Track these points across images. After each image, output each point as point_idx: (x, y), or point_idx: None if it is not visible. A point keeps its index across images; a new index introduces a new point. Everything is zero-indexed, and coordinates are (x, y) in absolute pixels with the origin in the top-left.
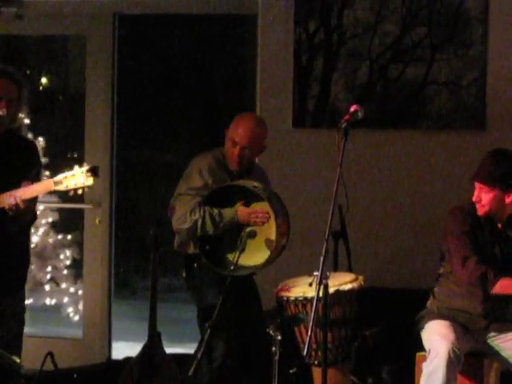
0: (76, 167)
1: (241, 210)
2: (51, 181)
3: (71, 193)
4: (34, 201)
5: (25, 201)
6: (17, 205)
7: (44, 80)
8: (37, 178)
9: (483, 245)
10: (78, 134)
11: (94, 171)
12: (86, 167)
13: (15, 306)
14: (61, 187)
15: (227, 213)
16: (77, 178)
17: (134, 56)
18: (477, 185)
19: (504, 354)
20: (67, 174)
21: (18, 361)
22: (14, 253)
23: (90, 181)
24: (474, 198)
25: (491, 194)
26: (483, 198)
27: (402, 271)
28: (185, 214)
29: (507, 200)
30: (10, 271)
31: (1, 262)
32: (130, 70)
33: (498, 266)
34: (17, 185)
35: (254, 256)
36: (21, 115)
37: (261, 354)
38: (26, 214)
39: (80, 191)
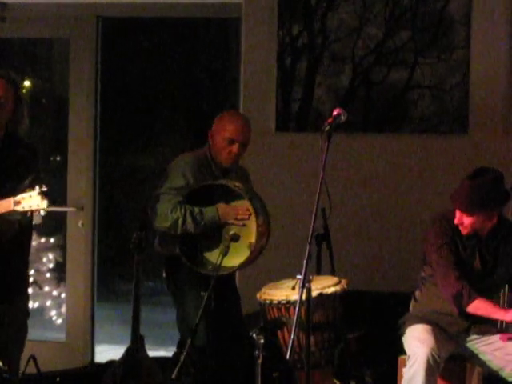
0: (37, 188)
1: (222, 208)
2: (11, 200)
3: (28, 214)
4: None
5: None
6: None
7: (27, 83)
8: (31, 186)
9: (464, 257)
10: (62, 138)
11: (44, 194)
12: (38, 189)
13: (15, 311)
14: (19, 208)
15: (208, 211)
16: (33, 199)
17: (118, 59)
18: (457, 210)
19: (484, 357)
20: (25, 195)
21: (1, 364)
22: (10, 258)
23: (44, 203)
24: (455, 221)
25: (473, 218)
26: (465, 221)
27: (386, 274)
28: (165, 213)
29: (490, 221)
30: (7, 277)
31: (1, 267)
32: (114, 74)
33: (478, 278)
34: (12, 190)
35: (234, 257)
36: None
37: (241, 355)
38: (8, 229)
39: (36, 213)
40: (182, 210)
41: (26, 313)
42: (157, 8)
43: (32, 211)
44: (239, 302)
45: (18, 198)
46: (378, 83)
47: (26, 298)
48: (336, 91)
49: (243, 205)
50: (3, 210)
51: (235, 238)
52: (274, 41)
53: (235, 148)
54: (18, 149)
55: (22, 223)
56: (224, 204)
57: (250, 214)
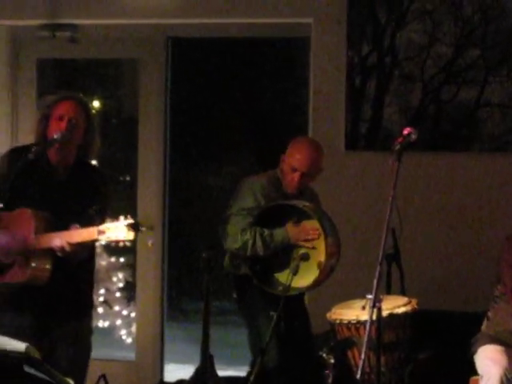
0: (121, 218)
1: (291, 230)
2: (95, 229)
3: (113, 244)
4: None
5: (71, 244)
6: (63, 247)
7: (97, 103)
8: (99, 215)
9: None
10: (131, 158)
11: (134, 227)
12: (127, 221)
13: (81, 330)
14: (103, 237)
15: (278, 233)
16: (119, 230)
17: (187, 79)
18: None
19: None
20: (110, 225)
21: (72, 383)
22: (79, 278)
23: (130, 235)
24: None
25: None
26: None
27: (456, 294)
28: (236, 234)
29: None
30: (76, 296)
31: (67, 288)
32: (183, 94)
33: None
34: (77, 218)
35: (304, 277)
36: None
37: (311, 375)
38: (81, 252)
39: (121, 243)
40: (252, 232)
41: (90, 332)
42: (225, 28)
43: (118, 242)
44: (309, 322)
45: (103, 227)
46: (448, 102)
47: (90, 317)
48: (405, 110)
49: (312, 224)
50: (86, 239)
51: (305, 258)
52: (343, 60)
53: (296, 176)
54: (88, 175)
55: (90, 246)
56: (293, 225)
57: (320, 234)
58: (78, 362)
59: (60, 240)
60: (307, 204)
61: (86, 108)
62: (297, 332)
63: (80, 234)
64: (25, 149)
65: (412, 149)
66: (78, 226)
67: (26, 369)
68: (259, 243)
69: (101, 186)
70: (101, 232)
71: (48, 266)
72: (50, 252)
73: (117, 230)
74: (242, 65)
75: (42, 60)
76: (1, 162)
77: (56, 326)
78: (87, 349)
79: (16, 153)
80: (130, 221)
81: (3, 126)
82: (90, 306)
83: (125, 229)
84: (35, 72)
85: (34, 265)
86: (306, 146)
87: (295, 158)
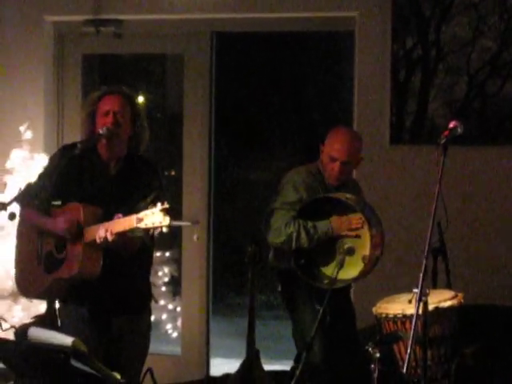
0: (159, 205)
1: (335, 220)
2: (134, 217)
3: (151, 231)
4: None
5: (113, 234)
6: (105, 237)
7: (142, 99)
8: (153, 203)
9: None
10: (177, 153)
11: (167, 211)
12: (162, 206)
13: (139, 325)
14: (141, 224)
15: (321, 225)
16: (155, 216)
17: (232, 74)
18: None
19: None
20: (147, 212)
21: (119, 377)
22: (135, 272)
23: (166, 220)
24: None
25: None
26: None
27: (502, 288)
28: (280, 228)
29: None
30: (132, 291)
31: (123, 282)
32: (228, 89)
33: None
34: (134, 208)
35: (349, 269)
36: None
37: (356, 369)
38: (130, 245)
39: (158, 230)
40: (296, 225)
41: (149, 327)
42: (270, 22)
43: (154, 228)
44: (354, 316)
45: (141, 215)
46: (493, 95)
47: (149, 312)
48: (451, 104)
49: (356, 216)
50: (126, 228)
51: (350, 252)
52: (387, 54)
53: (336, 166)
54: (140, 167)
55: (145, 240)
56: (337, 216)
57: (364, 222)
58: (135, 357)
59: (103, 230)
60: (350, 196)
61: (131, 100)
62: (342, 326)
63: (121, 223)
64: (74, 145)
65: (457, 142)
66: (120, 215)
67: (73, 362)
68: (303, 235)
69: (153, 178)
70: (139, 220)
71: (98, 261)
72: (99, 246)
73: (153, 216)
74: (287, 59)
75: (86, 56)
76: (51, 159)
77: (114, 319)
78: (145, 344)
79: (66, 150)
80: (165, 206)
81: (49, 121)
82: (147, 300)
83: (161, 214)
84: (80, 68)
85: (83, 258)
86: (344, 135)
87: (334, 148)
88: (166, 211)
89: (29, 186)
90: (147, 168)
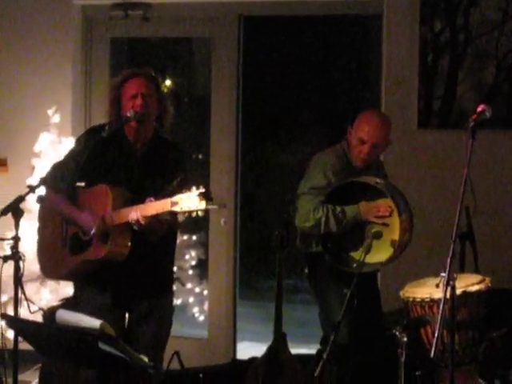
0: (193, 189)
1: (363, 206)
2: (168, 201)
3: (185, 215)
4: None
5: (145, 217)
6: (138, 220)
7: (169, 82)
8: (180, 188)
9: None
10: (204, 136)
11: (205, 195)
12: (199, 191)
13: (161, 307)
14: (176, 208)
15: (350, 210)
16: (191, 200)
17: (259, 58)
18: None
19: None
20: (183, 195)
21: (146, 360)
22: (160, 255)
23: (202, 204)
24: None
25: None
26: None
27: None
28: (308, 213)
29: None
30: (155, 274)
31: (148, 265)
32: (255, 72)
33: None
34: (160, 191)
35: (378, 253)
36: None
37: (383, 353)
38: (159, 227)
39: (194, 214)
40: (325, 210)
41: (172, 309)
42: (298, 6)
43: (190, 212)
44: (380, 300)
45: (176, 198)
46: None
47: (172, 294)
48: (479, 88)
49: (385, 202)
50: (160, 211)
51: (378, 236)
52: (415, 37)
53: (365, 149)
54: (166, 149)
55: (170, 222)
56: (365, 202)
57: (392, 211)
58: (157, 339)
59: (135, 213)
60: (379, 181)
61: (155, 80)
62: (368, 310)
63: (154, 206)
64: (101, 128)
65: (486, 126)
66: (152, 199)
67: (101, 345)
68: (332, 220)
69: (179, 160)
70: (174, 203)
71: (126, 242)
72: (128, 228)
73: (189, 200)
74: (315, 42)
75: (115, 39)
76: (78, 140)
77: (136, 302)
78: (167, 326)
79: (93, 132)
80: (202, 190)
81: (77, 105)
82: (170, 283)
83: (197, 198)
84: (108, 51)
85: (111, 241)
86: (374, 117)
87: (364, 131)
88: (202, 195)
89: (55, 168)
90: (174, 151)
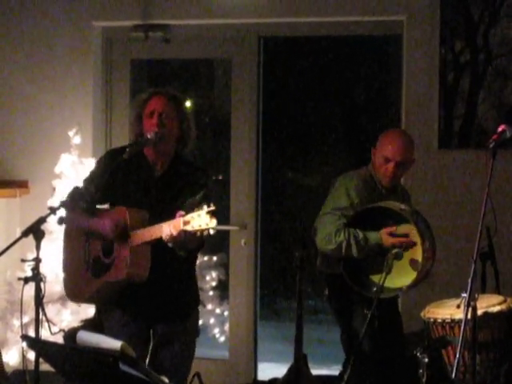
0: (205, 207)
1: (385, 237)
2: (180, 220)
3: (197, 234)
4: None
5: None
6: (172, 235)
7: (189, 103)
8: (200, 206)
9: None
10: (224, 157)
11: (212, 213)
12: (209, 209)
13: (186, 330)
14: (188, 227)
15: (372, 237)
16: (202, 218)
17: (279, 79)
18: None
19: None
20: (194, 214)
21: (167, 382)
22: (182, 276)
23: (213, 223)
24: None
25: None
26: None
27: None
28: (330, 235)
29: None
30: (181, 295)
31: (171, 286)
32: (275, 93)
33: None
34: (178, 210)
35: (399, 278)
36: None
37: (404, 374)
38: (191, 242)
39: (206, 233)
40: (346, 234)
41: (196, 332)
42: (318, 26)
43: (201, 231)
44: (401, 321)
45: (188, 217)
46: None
47: (196, 317)
48: (500, 107)
49: (409, 229)
50: (174, 228)
51: (398, 257)
52: (436, 57)
53: (390, 167)
54: (186, 170)
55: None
56: (388, 230)
57: (415, 245)
58: (180, 362)
59: (170, 228)
60: (404, 207)
61: (176, 100)
62: (389, 332)
63: (167, 227)
64: (122, 150)
65: (507, 146)
66: (183, 212)
67: (122, 367)
68: (353, 246)
69: (200, 177)
70: (186, 222)
71: (146, 263)
72: (147, 249)
73: (200, 218)
74: (334, 63)
75: (135, 60)
76: (98, 162)
77: (161, 325)
78: (191, 350)
79: (112, 154)
80: (212, 208)
81: (98, 126)
82: (195, 305)
83: (207, 216)
84: (129, 73)
85: (130, 262)
86: (397, 136)
87: (388, 149)
88: (211, 213)
89: (75, 190)
90: (195, 172)
